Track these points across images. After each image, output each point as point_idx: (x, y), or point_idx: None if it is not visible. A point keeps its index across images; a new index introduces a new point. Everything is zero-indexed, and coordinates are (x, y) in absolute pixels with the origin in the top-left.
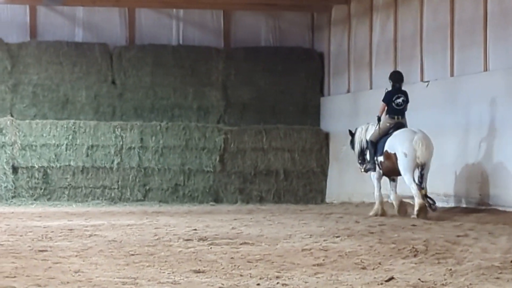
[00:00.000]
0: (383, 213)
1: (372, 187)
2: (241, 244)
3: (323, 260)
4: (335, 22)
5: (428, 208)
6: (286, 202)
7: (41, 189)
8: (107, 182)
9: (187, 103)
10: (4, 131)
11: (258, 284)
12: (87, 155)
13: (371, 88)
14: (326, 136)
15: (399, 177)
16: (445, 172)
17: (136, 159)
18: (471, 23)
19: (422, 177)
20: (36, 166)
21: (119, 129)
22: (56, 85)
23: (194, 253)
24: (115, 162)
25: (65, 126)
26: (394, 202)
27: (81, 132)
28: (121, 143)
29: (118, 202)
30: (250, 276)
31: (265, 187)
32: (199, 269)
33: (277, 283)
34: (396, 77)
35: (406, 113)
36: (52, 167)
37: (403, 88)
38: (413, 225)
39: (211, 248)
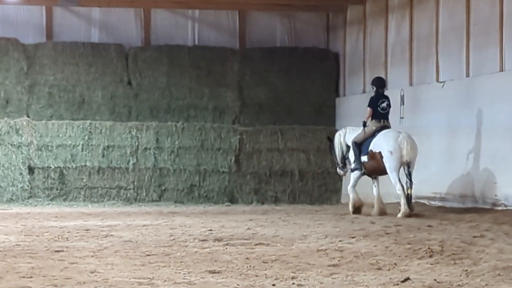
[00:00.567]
0: (359, 206)
1: (387, 187)
2: (256, 244)
3: (339, 260)
4: (350, 22)
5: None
6: (301, 202)
7: (57, 189)
8: (122, 182)
9: (203, 104)
10: (20, 132)
11: (274, 285)
12: (103, 156)
13: (386, 88)
14: None
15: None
16: (460, 172)
17: (151, 160)
18: (487, 23)
19: (410, 175)
20: (52, 167)
21: (135, 130)
22: (72, 85)
23: (210, 254)
24: (131, 163)
25: (81, 126)
26: (375, 202)
27: (97, 132)
28: (136, 143)
29: (134, 203)
30: (266, 277)
31: (280, 188)
32: (214, 270)
33: (293, 283)
34: (379, 83)
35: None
36: (68, 167)
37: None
38: (429, 226)
39: (226, 248)
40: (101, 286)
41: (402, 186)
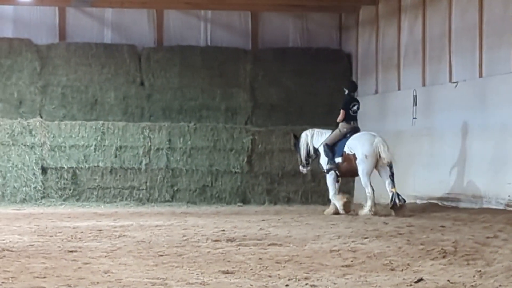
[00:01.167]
0: (336, 212)
1: (400, 187)
2: (269, 245)
3: (352, 261)
4: (363, 23)
5: (398, 205)
6: (313, 203)
7: (70, 190)
8: (135, 183)
9: (215, 104)
10: (33, 132)
11: (287, 285)
12: (116, 156)
13: (399, 89)
14: None
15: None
16: (473, 173)
17: (164, 160)
18: (500, 23)
19: (392, 176)
20: (65, 167)
21: (148, 130)
22: (85, 86)
23: (223, 254)
24: (143, 163)
25: (94, 127)
26: (337, 201)
27: (110, 133)
28: (149, 144)
29: (146, 203)
30: (279, 277)
31: (292, 188)
32: (227, 270)
33: (306, 284)
34: (352, 87)
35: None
36: (81, 168)
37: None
38: (442, 226)
39: (239, 249)
40: (115, 286)
41: (373, 189)
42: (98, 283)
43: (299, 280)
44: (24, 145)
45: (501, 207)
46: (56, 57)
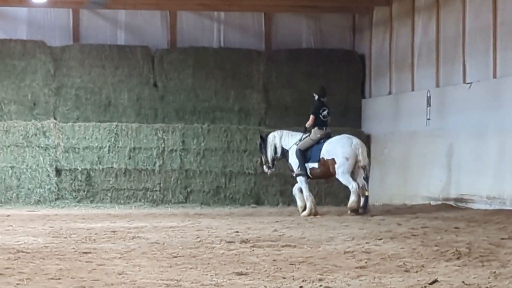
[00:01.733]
0: (316, 213)
1: (414, 189)
2: (283, 246)
3: (366, 262)
4: (376, 24)
5: (359, 208)
6: (327, 204)
7: (84, 191)
8: (149, 184)
9: (229, 106)
10: (47, 134)
11: (301, 287)
12: (129, 158)
13: (412, 90)
14: (368, 138)
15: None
16: (488, 174)
17: (177, 162)
18: None
19: (367, 179)
20: (79, 169)
21: (161, 132)
22: (99, 88)
23: (237, 255)
24: (157, 165)
25: (108, 128)
26: (307, 202)
27: (123, 134)
28: (163, 145)
29: (160, 204)
30: (293, 279)
31: None
32: (241, 271)
33: (320, 285)
34: (322, 92)
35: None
36: (95, 169)
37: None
38: (456, 228)
39: (253, 250)
40: (129, 287)
41: (358, 184)
42: (112, 284)
43: (313, 282)
44: (38, 147)
45: None
46: (70, 59)
